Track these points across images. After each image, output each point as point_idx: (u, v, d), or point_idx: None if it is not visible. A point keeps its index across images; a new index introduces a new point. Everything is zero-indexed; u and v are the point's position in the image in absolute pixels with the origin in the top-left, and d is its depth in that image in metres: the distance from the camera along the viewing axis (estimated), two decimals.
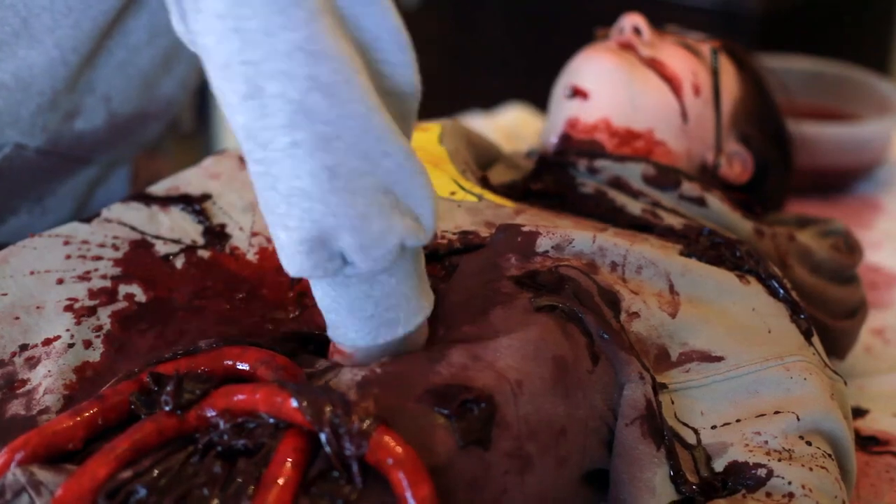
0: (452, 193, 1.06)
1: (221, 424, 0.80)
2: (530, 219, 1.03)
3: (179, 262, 1.01)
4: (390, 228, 0.80)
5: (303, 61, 0.75)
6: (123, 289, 0.97)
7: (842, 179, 1.68)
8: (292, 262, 0.80)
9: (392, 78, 0.81)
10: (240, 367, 0.84)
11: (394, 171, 0.79)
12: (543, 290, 0.93)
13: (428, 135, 1.16)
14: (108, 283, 0.98)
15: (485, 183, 1.12)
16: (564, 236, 0.98)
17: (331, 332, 0.87)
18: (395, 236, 0.80)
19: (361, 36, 0.79)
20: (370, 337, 0.85)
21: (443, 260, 0.98)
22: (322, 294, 0.85)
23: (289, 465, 0.76)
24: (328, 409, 0.77)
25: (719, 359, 0.95)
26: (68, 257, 0.99)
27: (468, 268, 0.96)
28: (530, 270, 0.95)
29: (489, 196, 1.07)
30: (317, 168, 0.77)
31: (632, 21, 1.25)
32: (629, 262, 0.98)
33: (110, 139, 1.20)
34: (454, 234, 1.01)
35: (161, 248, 1.02)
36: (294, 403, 0.77)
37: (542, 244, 0.98)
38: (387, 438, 0.76)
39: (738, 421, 0.92)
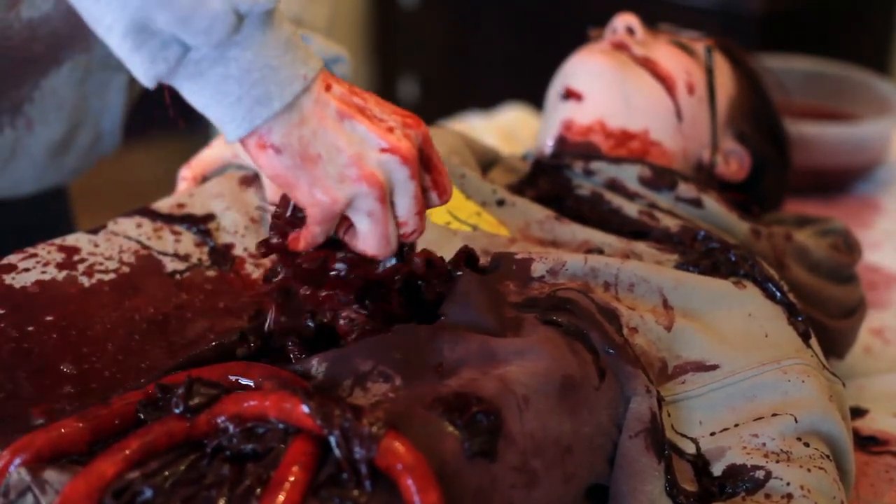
0: (448, 223, 1.06)
1: (231, 429, 0.80)
2: (523, 247, 1.02)
3: (186, 280, 1.01)
4: None
5: None
6: (129, 303, 0.97)
7: (841, 179, 1.68)
8: (136, 68, 0.77)
9: None
10: (243, 382, 0.84)
11: None
12: (546, 311, 0.92)
13: None
14: (114, 297, 0.97)
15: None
16: (558, 260, 0.98)
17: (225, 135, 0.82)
18: (216, 1, 0.76)
19: None
20: (247, 122, 0.80)
21: None
22: (189, 94, 0.80)
23: (298, 467, 0.76)
24: (338, 412, 0.77)
25: (714, 367, 0.95)
26: (74, 268, 0.99)
27: (467, 288, 0.93)
28: (530, 297, 0.94)
29: (484, 226, 1.07)
30: None
31: (624, 21, 1.25)
32: (621, 281, 0.98)
33: (68, 30, 1.11)
34: None
35: (169, 265, 1.02)
36: (304, 408, 0.77)
37: (538, 269, 0.98)
38: (396, 444, 0.76)
39: (736, 426, 0.93)
